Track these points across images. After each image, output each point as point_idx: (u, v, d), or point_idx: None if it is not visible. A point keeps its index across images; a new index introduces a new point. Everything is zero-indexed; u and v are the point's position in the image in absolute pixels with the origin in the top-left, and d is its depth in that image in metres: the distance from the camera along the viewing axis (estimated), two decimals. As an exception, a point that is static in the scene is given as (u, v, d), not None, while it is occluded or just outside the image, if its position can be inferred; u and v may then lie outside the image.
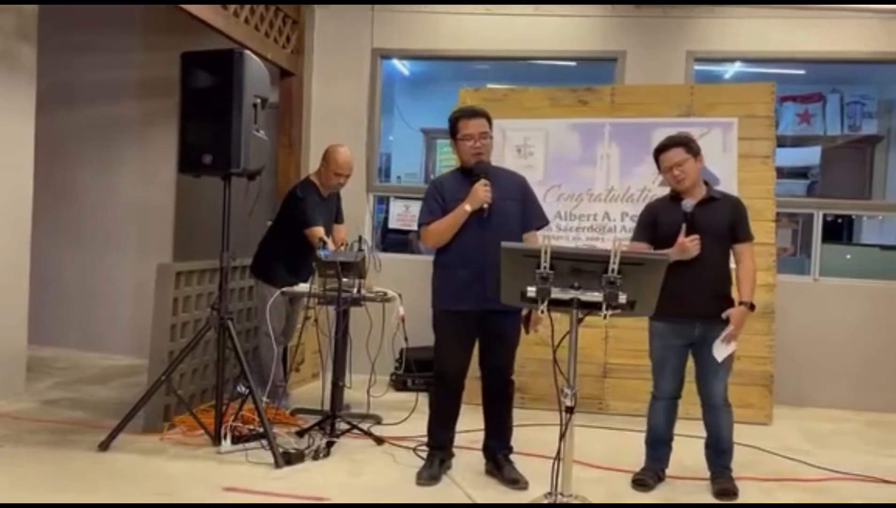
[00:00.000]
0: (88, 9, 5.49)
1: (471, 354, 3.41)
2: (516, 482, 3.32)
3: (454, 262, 3.32)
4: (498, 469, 3.41)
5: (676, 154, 3.26)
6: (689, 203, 3.25)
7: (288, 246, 4.37)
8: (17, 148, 4.45)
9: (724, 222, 3.28)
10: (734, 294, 3.33)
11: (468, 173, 3.35)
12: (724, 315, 3.22)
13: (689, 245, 3.20)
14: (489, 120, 3.37)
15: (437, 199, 3.37)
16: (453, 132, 3.38)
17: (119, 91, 5.93)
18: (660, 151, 3.34)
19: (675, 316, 3.24)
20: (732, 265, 3.37)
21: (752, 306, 3.26)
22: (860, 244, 6.45)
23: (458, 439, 3.59)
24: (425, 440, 3.55)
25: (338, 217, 4.65)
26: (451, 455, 3.52)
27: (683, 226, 3.22)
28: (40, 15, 4.50)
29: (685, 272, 3.19)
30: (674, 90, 5.04)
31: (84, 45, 5.82)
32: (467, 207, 3.25)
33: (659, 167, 3.37)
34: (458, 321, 3.32)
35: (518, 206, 3.39)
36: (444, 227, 3.31)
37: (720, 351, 3.22)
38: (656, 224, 3.35)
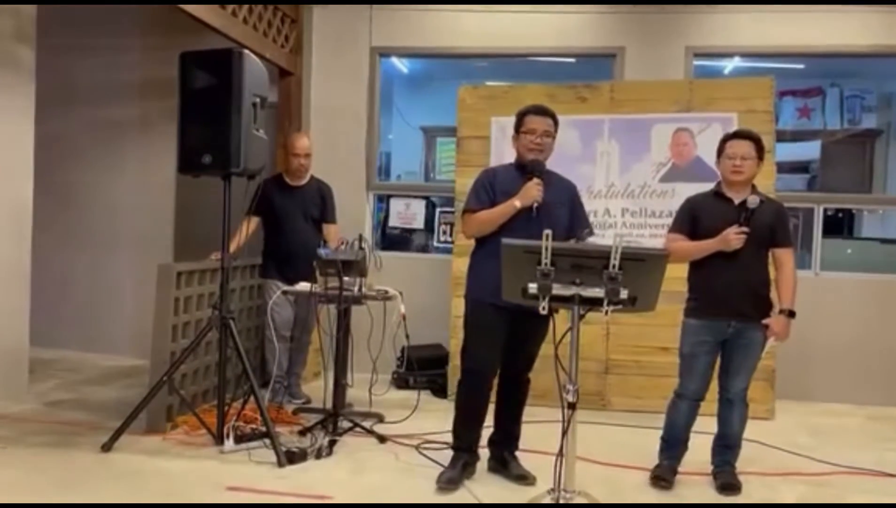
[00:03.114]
0: (86, 10, 5.48)
1: (501, 351, 3.31)
2: (524, 478, 3.32)
3: (497, 256, 3.18)
4: (504, 466, 3.40)
5: (747, 147, 3.26)
6: (754, 200, 3.22)
7: (268, 239, 4.54)
8: (16, 150, 4.45)
9: (764, 224, 3.26)
10: (773, 297, 3.33)
11: (522, 169, 3.31)
12: (764, 322, 3.25)
13: (732, 236, 3.17)
14: (556, 122, 3.34)
15: (488, 189, 3.28)
16: (517, 126, 3.33)
17: (118, 92, 5.93)
18: (732, 137, 3.34)
19: (710, 315, 3.27)
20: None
21: (791, 314, 3.25)
22: (861, 238, 6.46)
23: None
24: (429, 437, 3.55)
25: (326, 215, 4.66)
26: (477, 458, 3.41)
27: (742, 221, 3.19)
28: (38, 16, 4.49)
29: (723, 272, 3.23)
30: (673, 86, 5.03)
31: (82, 47, 5.81)
32: (517, 203, 3.18)
33: (720, 152, 3.34)
34: (495, 316, 3.20)
35: (567, 212, 3.33)
36: (490, 218, 3.22)
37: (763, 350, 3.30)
38: (696, 219, 3.34)
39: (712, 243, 3.23)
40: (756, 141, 3.30)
